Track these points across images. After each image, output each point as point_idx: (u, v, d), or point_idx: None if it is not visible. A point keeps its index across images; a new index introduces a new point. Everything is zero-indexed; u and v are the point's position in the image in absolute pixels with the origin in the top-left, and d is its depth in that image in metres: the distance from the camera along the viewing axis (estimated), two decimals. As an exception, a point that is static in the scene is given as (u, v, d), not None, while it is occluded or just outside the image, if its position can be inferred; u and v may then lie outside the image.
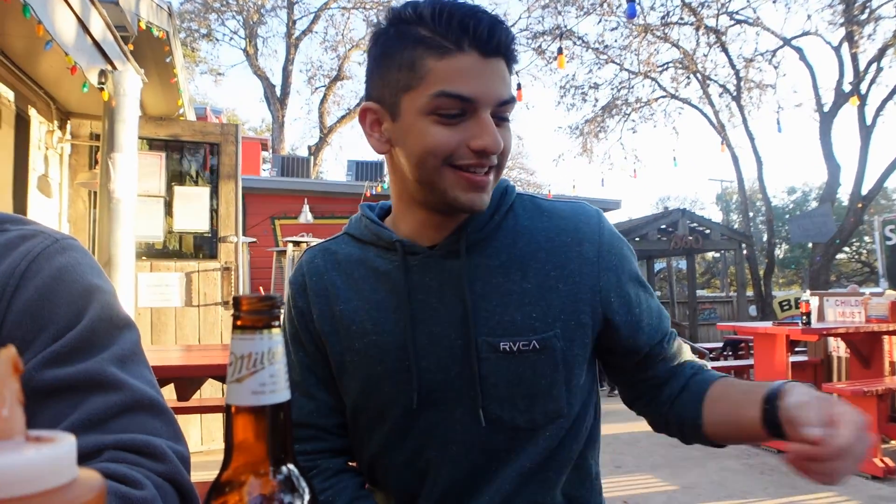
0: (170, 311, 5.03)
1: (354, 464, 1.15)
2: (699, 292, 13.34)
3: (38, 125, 4.56)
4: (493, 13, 0.94)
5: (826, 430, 0.79)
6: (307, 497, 0.49)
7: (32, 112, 4.43)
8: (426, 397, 1.02)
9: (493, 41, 0.91)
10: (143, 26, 4.34)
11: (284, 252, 8.60)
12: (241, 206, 5.50)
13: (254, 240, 9.17)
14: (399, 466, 1.06)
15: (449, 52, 0.91)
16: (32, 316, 0.76)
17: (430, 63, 0.91)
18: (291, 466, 0.50)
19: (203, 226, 5.32)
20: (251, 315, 0.49)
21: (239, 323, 0.49)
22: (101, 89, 3.77)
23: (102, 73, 3.75)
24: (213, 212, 5.37)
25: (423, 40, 0.92)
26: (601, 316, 1.05)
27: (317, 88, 22.09)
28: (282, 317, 0.51)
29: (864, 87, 13.71)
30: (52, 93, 4.67)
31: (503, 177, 1.11)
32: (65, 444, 0.30)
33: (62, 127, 4.99)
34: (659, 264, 17.00)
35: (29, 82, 4.29)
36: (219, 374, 2.88)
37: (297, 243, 8.43)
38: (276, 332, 0.49)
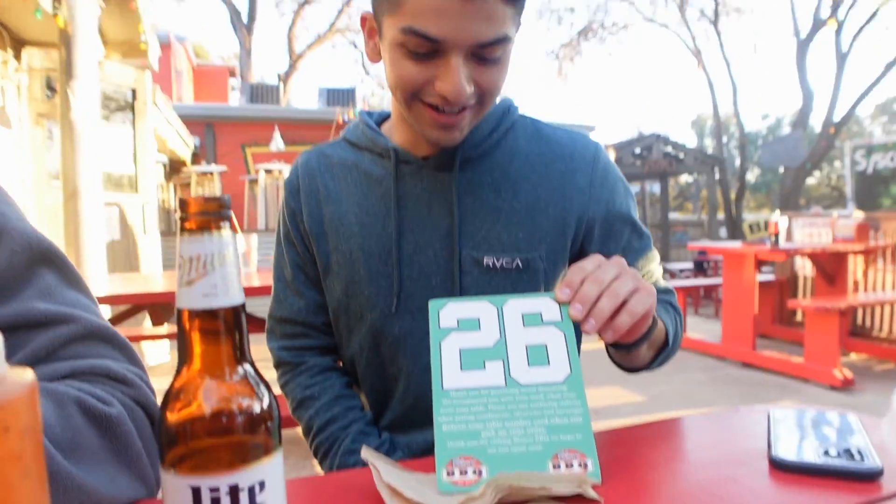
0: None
1: (340, 362, 1.18)
2: (672, 215, 13.46)
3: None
4: None
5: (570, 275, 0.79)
6: (265, 399, 0.49)
7: (-16, 38, 4.24)
8: (404, 303, 1.04)
9: None
10: (97, -56, 4.13)
11: (256, 180, 8.49)
12: (210, 130, 5.46)
13: (224, 168, 9.02)
14: (374, 368, 1.09)
15: None
16: None
17: None
18: (248, 367, 0.50)
19: (127, 166, 5.42)
20: (199, 216, 0.47)
21: (187, 225, 0.47)
22: (56, 15, 3.60)
23: (56, -3, 3.59)
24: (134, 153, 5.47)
25: None
26: (580, 243, 1.07)
27: (284, 14, 21.37)
28: (231, 218, 0.49)
29: (841, 12, 13.57)
30: (4, 20, 4.46)
31: (507, 96, 1.11)
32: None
33: (17, 56, 4.79)
34: (633, 188, 17.04)
35: (-22, 6, 4.10)
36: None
37: (268, 171, 8.32)
38: (226, 233, 0.48)
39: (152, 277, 3.66)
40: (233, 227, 0.50)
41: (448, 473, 0.68)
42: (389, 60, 0.91)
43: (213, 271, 0.47)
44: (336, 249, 1.08)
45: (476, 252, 1.01)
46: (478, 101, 0.93)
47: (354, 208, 1.07)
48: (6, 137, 4.55)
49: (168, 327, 3.73)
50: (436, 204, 1.03)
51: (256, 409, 0.48)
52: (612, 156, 5.64)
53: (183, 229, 0.48)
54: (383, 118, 1.16)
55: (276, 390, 0.98)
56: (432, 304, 0.81)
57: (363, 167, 1.09)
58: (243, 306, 0.50)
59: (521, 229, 1.02)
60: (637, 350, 0.91)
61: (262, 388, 0.49)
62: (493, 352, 0.76)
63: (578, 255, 1.07)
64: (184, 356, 0.48)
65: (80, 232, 3.97)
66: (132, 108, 5.37)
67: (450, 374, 0.75)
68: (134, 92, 5.41)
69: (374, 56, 0.99)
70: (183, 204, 0.47)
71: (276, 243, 1.19)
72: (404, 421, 1.08)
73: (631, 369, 1.04)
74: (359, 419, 1.08)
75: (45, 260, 0.76)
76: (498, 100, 1.09)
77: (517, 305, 0.79)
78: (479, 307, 0.80)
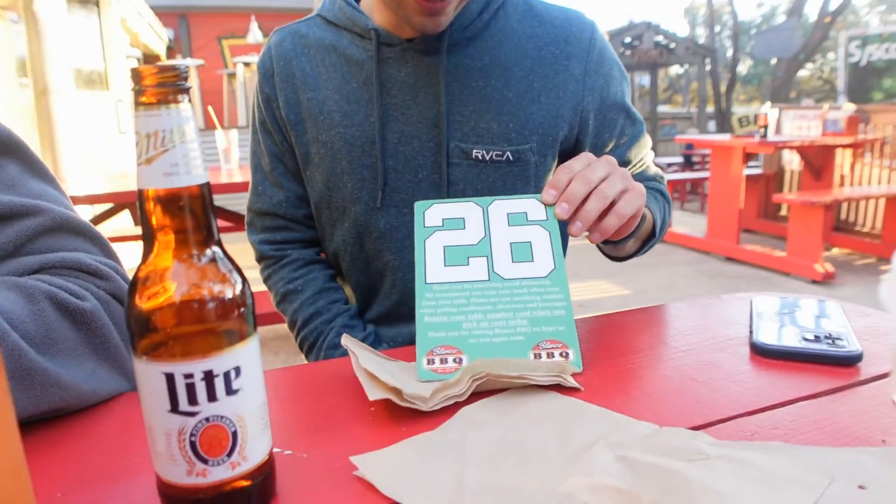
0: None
1: (324, 255, 1.15)
2: (661, 108, 13.27)
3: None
4: None
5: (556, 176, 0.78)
6: (237, 283, 0.47)
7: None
8: (389, 197, 1.00)
9: None
10: None
11: (234, 74, 8.23)
12: (184, 21, 5.18)
13: (201, 62, 8.72)
14: (359, 263, 1.07)
15: None
16: None
17: None
18: (216, 250, 0.47)
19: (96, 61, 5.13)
20: (154, 89, 0.43)
21: (143, 99, 0.44)
22: None
23: None
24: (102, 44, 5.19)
25: None
26: (576, 134, 1.03)
27: None
28: (190, 90, 0.45)
29: None
30: None
31: None
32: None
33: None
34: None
35: None
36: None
37: (247, 64, 8.05)
38: (185, 106, 0.44)
39: (131, 175, 3.60)
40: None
41: (428, 362, 0.69)
42: None
43: (174, 148, 0.44)
44: (316, 139, 1.02)
45: (464, 143, 0.97)
46: None
47: (334, 95, 1.00)
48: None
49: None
50: (422, 91, 0.97)
51: (228, 293, 0.46)
52: None
53: (138, 103, 0.44)
54: None
55: (258, 286, 0.97)
56: (418, 206, 0.80)
57: (342, 49, 1.01)
58: (208, 185, 0.47)
59: (511, 119, 0.97)
60: (624, 244, 0.92)
61: (234, 271, 0.48)
62: (478, 248, 0.76)
63: (573, 145, 1.04)
64: (149, 240, 0.46)
65: (54, 130, 3.85)
66: None
67: (433, 269, 0.75)
68: None
69: None
70: (136, 75, 0.44)
71: (252, 132, 1.13)
72: (390, 315, 1.07)
73: (615, 258, 1.03)
74: (343, 312, 1.07)
75: (6, 150, 0.73)
76: None
77: (503, 206, 0.79)
78: (464, 208, 0.80)
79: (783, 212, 6.27)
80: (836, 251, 5.62)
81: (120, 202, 3.08)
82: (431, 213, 0.80)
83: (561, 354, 0.69)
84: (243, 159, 3.53)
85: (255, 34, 9.45)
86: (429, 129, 0.98)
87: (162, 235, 0.46)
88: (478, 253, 0.76)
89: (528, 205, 0.78)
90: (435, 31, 0.91)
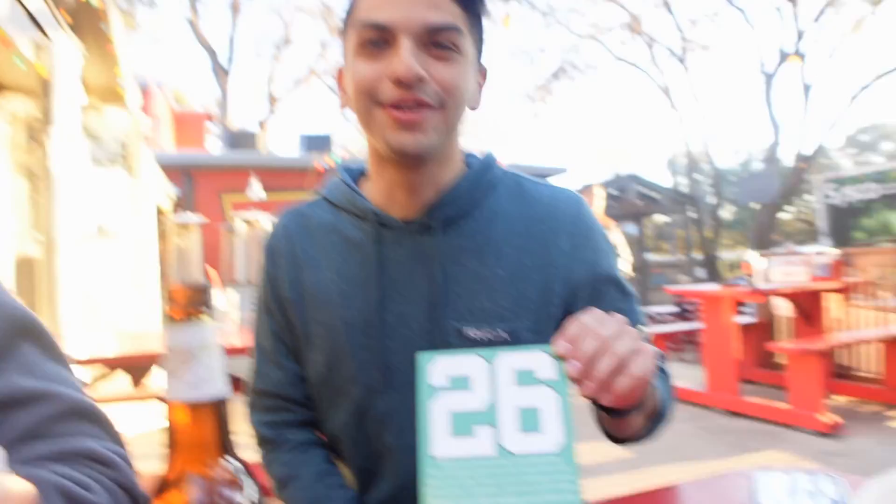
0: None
1: (322, 435, 1.12)
2: (649, 256, 13.58)
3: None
4: None
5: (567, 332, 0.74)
6: (252, 491, 0.48)
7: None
8: (389, 378, 0.99)
9: None
10: (79, -4, 4.16)
11: (234, 230, 8.45)
12: (188, 177, 5.41)
13: (203, 219, 8.98)
14: (359, 445, 1.04)
15: None
16: None
17: (358, 2, 0.92)
18: (233, 460, 0.49)
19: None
20: (182, 306, 0.46)
21: (172, 315, 0.47)
22: (37, 63, 3.60)
23: (37, 45, 3.59)
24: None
25: None
26: (568, 309, 1.01)
27: (261, 55, 21.59)
28: (211, 307, 0.48)
29: (804, 46, 13.98)
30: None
31: (490, 152, 1.09)
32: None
33: (-4, 104, 4.77)
34: (611, 229, 17.18)
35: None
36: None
37: (248, 221, 8.29)
38: (209, 321, 0.47)
39: (131, 336, 3.61)
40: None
41: None
42: (350, 74, 0.93)
43: (198, 362, 0.46)
44: (315, 319, 1.03)
45: (460, 323, 0.97)
46: (438, 102, 0.90)
47: (334, 275, 1.03)
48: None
49: (148, 389, 3.65)
50: (418, 271, 0.99)
51: (244, 502, 0.47)
52: (600, 194, 5.73)
53: (169, 319, 0.47)
54: (363, 173, 1.10)
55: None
56: (420, 358, 0.76)
57: (342, 230, 1.05)
58: (228, 396, 0.49)
59: (504, 298, 0.98)
60: (631, 417, 0.87)
61: (249, 480, 0.48)
62: (485, 416, 0.72)
63: (564, 319, 1.04)
64: (172, 446, 0.48)
65: (56, 285, 3.91)
66: (124, 153, 5.29)
67: (439, 439, 0.72)
68: (127, 137, 5.36)
69: (345, 102, 1.00)
70: (168, 294, 0.47)
71: (257, 311, 1.13)
72: (391, 501, 1.04)
73: (620, 439, 0.98)
74: (341, 498, 1.03)
75: (25, 332, 0.74)
76: (476, 142, 1.08)
77: (509, 361, 0.74)
78: (469, 363, 0.75)
79: (781, 360, 6.24)
80: (839, 399, 5.54)
81: (119, 366, 3.07)
82: (435, 368, 0.75)
83: None
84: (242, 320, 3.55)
85: (255, 190, 9.80)
86: (426, 310, 0.98)
87: (184, 442, 0.47)
88: (485, 421, 0.72)
89: (536, 360, 0.74)
90: (415, 151, 0.91)
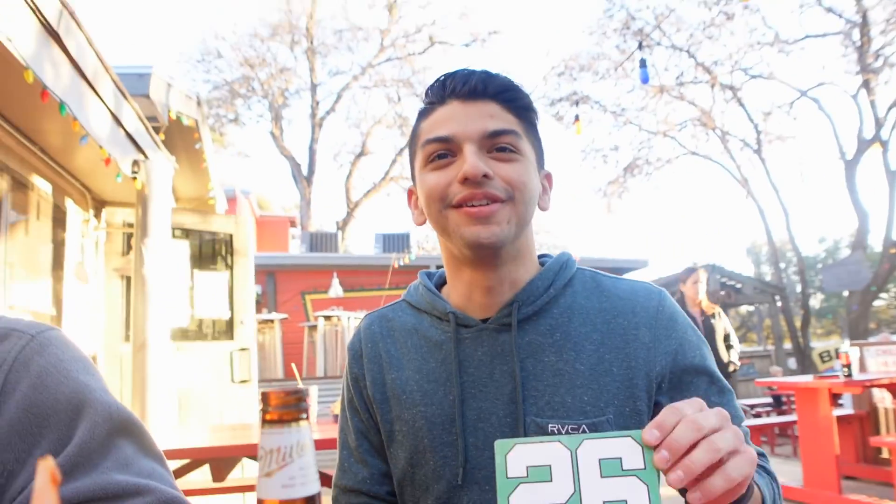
0: (191, 391, 5.07)
1: None
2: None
3: (74, 215, 4.72)
4: (483, 70, 1.00)
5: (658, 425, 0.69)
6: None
7: (69, 202, 4.59)
8: (471, 474, 0.99)
9: (471, 86, 0.98)
10: (174, 116, 4.53)
11: (315, 327, 8.64)
12: (272, 278, 5.65)
13: (285, 315, 9.24)
14: None
15: (432, 110, 1.01)
16: (20, 435, 0.69)
17: (421, 125, 1.03)
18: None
19: (223, 311, 5.51)
20: (279, 409, 0.50)
21: (267, 417, 0.50)
22: (134, 178, 3.91)
23: (135, 162, 3.90)
24: (231, 297, 5.59)
25: (421, 111, 1.05)
26: (654, 402, 0.99)
27: (342, 165, 22.59)
28: (308, 409, 0.52)
29: (885, 132, 13.65)
30: (87, 183, 4.84)
31: (565, 251, 1.13)
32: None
33: (97, 215, 5.15)
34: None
35: (65, 175, 4.46)
36: (253, 454, 2.87)
37: (327, 317, 8.48)
38: (304, 424, 0.51)
39: (219, 429, 3.69)
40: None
41: None
42: (421, 187, 1.02)
43: (292, 463, 0.49)
44: (399, 417, 1.05)
45: (540, 418, 0.97)
46: (508, 196, 0.96)
47: (415, 374, 1.06)
48: (83, 292, 4.81)
49: (230, 481, 3.70)
50: (498, 367, 1.01)
51: None
52: (705, 278, 5.65)
53: (264, 421, 0.50)
54: (443, 279, 1.16)
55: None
56: (499, 446, 0.72)
57: (423, 331, 1.08)
58: (319, 495, 0.51)
59: (586, 392, 0.97)
60: None
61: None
62: None
63: (650, 414, 1.01)
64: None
65: (146, 382, 4.07)
66: (230, 254, 5.62)
67: None
68: (231, 238, 5.65)
69: (419, 217, 1.09)
70: (264, 397, 0.51)
71: (341, 410, 1.18)
72: None
73: None
74: None
75: (124, 431, 0.77)
76: (552, 239, 1.12)
77: (594, 449, 0.70)
78: (550, 450, 0.71)
79: (885, 454, 5.81)
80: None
81: (201, 458, 3.14)
82: (514, 457, 0.71)
83: None
84: (322, 415, 3.60)
85: (335, 289, 10.06)
86: (506, 405, 0.99)
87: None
88: None
89: (623, 447, 0.69)
90: (490, 242, 0.95)
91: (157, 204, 4.11)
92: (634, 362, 0.99)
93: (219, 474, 3.61)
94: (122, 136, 3.62)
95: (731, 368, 5.64)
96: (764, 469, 0.98)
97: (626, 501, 0.67)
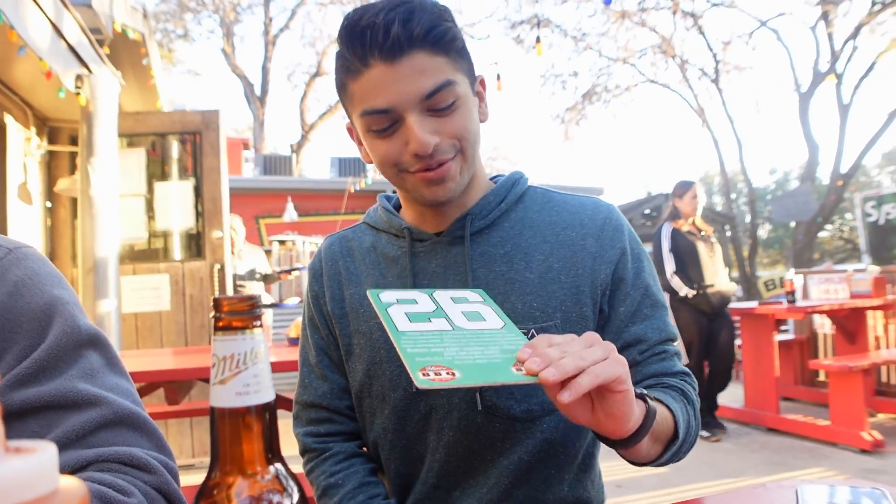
0: (155, 315, 4.80)
1: (366, 447, 1.17)
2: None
3: (15, 132, 4.51)
4: (402, 6, 0.92)
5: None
6: (296, 497, 0.49)
7: (9, 119, 4.37)
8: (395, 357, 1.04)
9: (395, 43, 0.90)
10: (119, 29, 4.30)
11: (270, 252, 8.57)
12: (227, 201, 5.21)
13: (239, 240, 9.12)
14: (398, 450, 1.08)
15: (359, 72, 0.94)
16: None
17: (350, 85, 0.97)
18: (279, 466, 0.50)
19: (188, 223, 5.05)
20: (232, 316, 0.49)
21: (220, 324, 0.49)
22: (78, 94, 3.73)
23: (79, 77, 3.71)
24: (198, 208, 5.08)
25: (343, 62, 0.97)
26: (598, 309, 1.05)
27: (296, 86, 21.99)
28: (262, 317, 0.50)
29: (840, 65, 13.80)
30: (28, 99, 4.61)
31: (517, 170, 1.16)
32: (46, 453, 0.30)
33: (40, 133, 4.93)
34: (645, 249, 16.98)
35: (4, 89, 4.24)
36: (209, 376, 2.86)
37: (282, 242, 8.40)
38: (258, 331, 0.49)
39: (170, 353, 3.67)
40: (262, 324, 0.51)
41: (423, 375, 0.70)
42: (369, 149, 1.01)
43: (246, 370, 0.48)
44: (357, 331, 1.09)
45: None
46: (456, 151, 0.97)
47: (372, 288, 1.08)
48: (28, 213, 4.65)
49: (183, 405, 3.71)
50: (451, 278, 1.05)
51: (289, 508, 0.48)
52: (701, 195, 5.13)
53: (216, 328, 0.49)
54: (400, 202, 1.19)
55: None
56: (371, 293, 0.88)
57: (381, 248, 1.12)
58: (274, 402, 0.51)
59: (535, 299, 1.02)
60: (637, 445, 0.83)
61: (293, 486, 0.50)
62: (435, 313, 0.85)
63: (602, 322, 1.06)
64: (216, 454, 0.49)
65: (95, 306, 4.00)
66: (197, 155, 5.08)
67: (401, 323, 0.81)
68: (199, 136, 5.06)
69: (367, 157, 1.07)
70: (216, 303, 0.49)
71: (302, 329, 1.21)
72: (427, 502, 1.07)
73: (639, 464, 0.95)
74: None
75: (92, 344, 0.80)
76: (509, 166, 1.13)
77: (446, 293, 0.90)
78: (413, 294, 0.90)
79: (822, 377, 6.11)
80: (881, 416, 5.40)
81: (156, 381, 3.13)
82: (385, 295, 0.88)
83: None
84: (277, 338, 3.60)
85: (290, 213, 9.94)
86: None
87: (229, 450, 0.49)
88: (436, 315, 0.84)
89: (468, 294, 0.90)
90: (446, 198, 1.00)
91: (102, 121, 3.95)
92: (581, 270, 1.04)
93: (173, 398, 3.61)
94: (63, 48, 3.43)
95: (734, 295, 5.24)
96: (683, 394, 1.00)
97: (477, 311, 0.87)
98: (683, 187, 5.10)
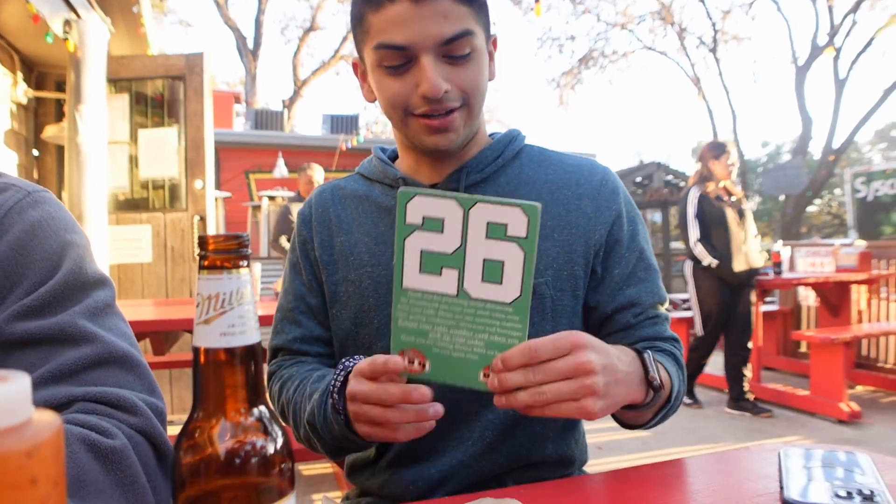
0: (136, 267, 4.73)
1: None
2: (673, 244, 13.45)
3: (1, 77, 4.41)
4: None
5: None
6: (279, 440, 0.49)
7: (-7, 62, 4.28)
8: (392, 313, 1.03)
9: None
10: (108, -27, 4.19)
11: (259, 207, 8.52)
12: (214, 155, 5.08)
13: (228, 194, 9.06)
14: None
15: (381, 4, 0.94)
16: (5, 271, 0.75)
17: (369, 17, 0.96)
18: (263, 409, 0.49)
19: (171, 171, 4.87)
20: (218, 254, 0.47)
21: (206, 263, 0.48)
22: (66, 39, 3.65)
23: (67, 22, 3.63)
24: (184, 156, 4.89)
25: None
26: (591, 269, 1.06)
27: (289, 40, 21.64)
28: (249, 257, 0.49)
29: (839, 39, 13.71)
30: (15, 43, 4.50)
31: (514, 128, 1.15)
32: (17, 383, 0.29)
33: (27, 79, 4.83)
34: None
35: (-12, 31, 4.14)
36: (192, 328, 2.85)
37: (272, 197, 8.35)
38: (244, 271, 0.48)
39: (154, 304, 3.66)
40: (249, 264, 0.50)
41: (400, 356, 0.79)
42: (377, 87, 1.00)
43: (231, 310, 0.47)
44: (345, 278, 1.08)
45: None
46: (463, 102, 0.98)
47: (364, 238, 1.08)
48: (13, 160, 4.58)
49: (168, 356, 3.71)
50: None
51: (271, 450, 0.48)
52: (734, 155, 4.81)
53: (202, 267, 0.48)
54: (396, 155, 1.18)
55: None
56: (401, 194, 0.80)
57: (374, 198, 1.11)
58: (259, 344, 0.50)
59: None
60: (641, 411, 0.92)
61: (277, 429, 0.49)
62: (452, 259, 0.79)
63: (591, 279, 1.07)
64: (199, 395, 0.48)
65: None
66: (182, 101, 4.87)
67: (410, 273, 0.80)
68: (183, 80, 4.84)
69: (370, 96, 1.07)
70: (202, 241, 0.48)
71: (285, 274, 1.20)
72: (409, 454, 1.06)
73: (627, 426, 1.03)
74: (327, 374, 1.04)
75: (99, 285, 0.82)
76: (503, 129, 1.14)
77: (485, 212, 0.78)
78: (446, 206, 0.79)
79: (804, 348, 6.19)
80: (860, 389, 5.50)
81: (141, 332, 3.12)
82: (413, 206, 0.80)
83: None
84: (264, 291, 3.59)
85: (280, 169, 9.86)
86: None
87: (212, 391, 0.48)
88: (451, 264, 0.79)
89: (511, 215, 0.77)
90: (448, 148, 1.01)
91: (91, 68, 3.86)
92: (575, 230, 1.05)
93: (159, 348, 3.61)
94: (50, -11, 3.34)
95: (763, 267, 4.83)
96: (675, 359, 1.04)
97: (503, 262, 0.77)
98: (719, 149, 4.73)
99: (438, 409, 0.80)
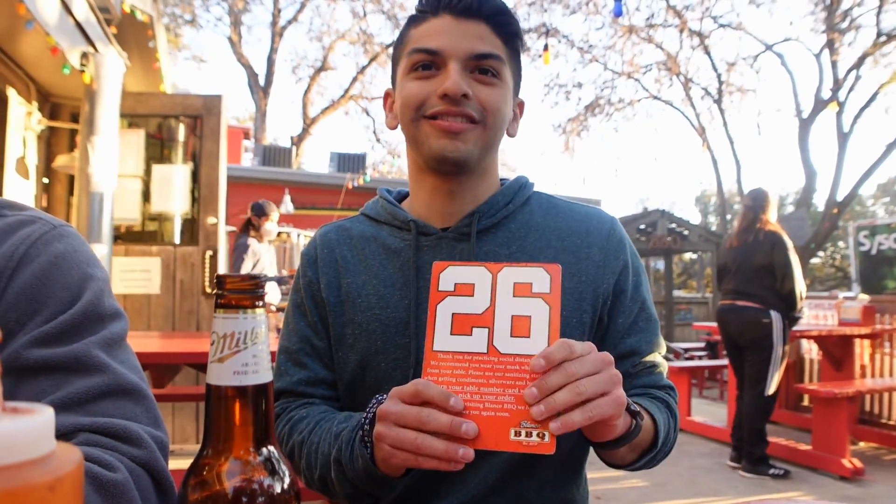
0: (143, 298, 4.72)
1: None
2: (676, 293, 13.43)
3: (17, 106, 4.48)
4: None
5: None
6: (286, 481, 0.49)
7: (11, 92, 4.34)
8: (421, 375, 1.02)
9: (469, 7, 1.00)
10: (127, 9, 4.28)
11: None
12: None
13: (233, 228, 9.09)
14: None
15: (424, 19, 1.03)
16: (28, 299, 0.77)
17: (410, 32, 1.04)
18: (272, 449, 0.50)
19: (183, 207, 4.98)
20: (235, 294, 0.48)
21: (222, 301, 0.48)
22: (83, 71, 3.71)
23: (84, 55, 3.70)
24: (195, 193, 4.99)
25: (413, 17, 1.06)
26: (598, 317, 1.07)
27: (300, 79, 21.97)
28: (265, 297, 0.50)
29: (842, 94, 13.88)
30: (32, 73, 4.59)
31: (522, 175, 1.17)
32: (42, 416, 0.30)
33: (42, 108, 4.90)
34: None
35: (8, 62, 4.22)
36: (196, 361, 2.85)
37: (277, 233, 8.37)
38: (260, 311, 0.49)
39: (158, 337, 3.65)
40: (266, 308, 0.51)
41: None
42: (400, 92, 1.05)
43: (245, 349, 0.48)
44: (352, 321, 1.07)
45: None
46: (480, 118, 1.00)
47: (372, 280, 1.08)
48: (24, 188, 4.62)
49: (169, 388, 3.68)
50: None
51: (278, 490, 0.48)
52: (776, 200, 4.88)
53: (218, 305, 0.48)
54: (402, 196, 1.18)
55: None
56: (436, 266, 0.86)
57: (382, 240, 1.11)
58: (271, 384, 0.50)
59: None
60: (615, 449, 0.90)
61: (285, 469, 0.50)
62: (481, 319, 0.83)
63: (602, 330, 1.08)
64: (210, 432, 0.49)
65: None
66: (196, 140, 4.99)
67: (441, 336, 0.83)
68: (199, 120, 4.96)
69: (392, 122, 1.11)
70: (220, 281, 0.49)
71: (286, 316, 1.17)
72: (414, 493, 1.05)
73: (611, 465, 1.02)
74: (337, 416, 1.02)
75: (114, 319, 0.84)
76: (512, 176, 1.15)
77: (511, 274, 0.83)
78: (476, 272, 0.85)
79: (806, 402, 6.13)
80: (862, 445, 5.43)
81: (142, 364, 3.11)
82: (446, 275, 0.86)
83: (538, 435, 0.74)
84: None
85: (286, 205, 9.91)
86: None
87: (223, 428, 0.48)
88: (481, 324, 0.82)
89: (535, 275, 0.82)
90: (455, 157, 1.00)
91: (105, 100, 3.92)
92: (585, 278, 1.06)
93: (158, 380, 3.59)
94: (71, 24, 3.41)
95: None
96: (667, 405, 1.05)
97: (530, 317, 0.81)
98: (762, 198, 4.75)
99: (469, 454, 0.75)
